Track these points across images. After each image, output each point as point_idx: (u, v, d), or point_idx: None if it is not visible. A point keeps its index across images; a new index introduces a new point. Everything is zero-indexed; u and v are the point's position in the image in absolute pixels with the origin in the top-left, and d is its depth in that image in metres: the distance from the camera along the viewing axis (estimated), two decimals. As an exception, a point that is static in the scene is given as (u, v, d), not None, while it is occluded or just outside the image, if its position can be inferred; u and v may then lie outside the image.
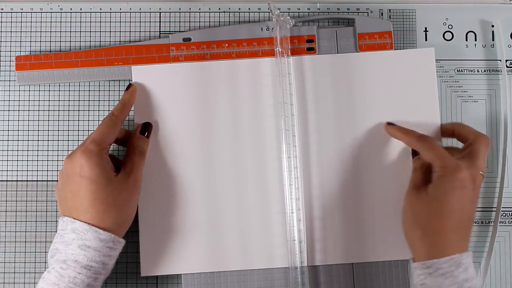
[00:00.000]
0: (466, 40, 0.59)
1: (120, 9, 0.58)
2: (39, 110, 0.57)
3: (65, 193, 0.49)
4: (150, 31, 0.58)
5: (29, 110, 0.57)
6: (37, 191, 0.56)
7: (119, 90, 0.57)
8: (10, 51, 0.58)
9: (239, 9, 0.58)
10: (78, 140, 0.57)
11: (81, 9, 0.58)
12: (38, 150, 0.57)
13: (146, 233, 0.54)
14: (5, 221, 0.56)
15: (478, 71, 0.58)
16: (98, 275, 0.47)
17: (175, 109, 0.55)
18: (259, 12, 0.58)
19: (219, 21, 0.58)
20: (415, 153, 0.53)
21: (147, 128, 0.54)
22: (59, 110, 0.57)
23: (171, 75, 0.55)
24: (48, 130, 0.57)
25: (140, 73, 0.55)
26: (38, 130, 0.57)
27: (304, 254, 0.53)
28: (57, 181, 0.54)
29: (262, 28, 0.56)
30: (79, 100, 0.57)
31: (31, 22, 0.58)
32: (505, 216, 0.57)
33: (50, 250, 0.49)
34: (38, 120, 0.57)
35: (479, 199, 0.52)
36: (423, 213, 0.48)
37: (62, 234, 0.48)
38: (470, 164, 0.49)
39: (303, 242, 0.53)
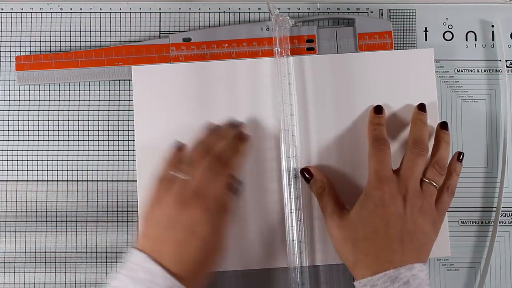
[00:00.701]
0: (466, 40, 0.59)
1: (120, 9, 0.58)
2: (39, 110, 0.57)
3: (162, 234, 0.45)
4: (150, 31, 0.58)
5: (29, 110, 0.57)
6: (37, 191, 0.56)
7: (119, 90, 0.57)
8: (10, 51, 0.58)
9: (239, 9, 0.58)
10: (78, 140, 0.57)
11: (81, 9, 0.58)
12: (38, 150, 0.57)
13: None
14: (5, 221, 0.56)
15: (478, 71, 0.58)
16: None
17: (175, 109, 0.55)
18: (259, 12, 0.58)
19: (219, 21, 0.58)
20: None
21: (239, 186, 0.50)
22: (59, 110, 0.57)
23: (171, 75, 0.56)
24: (48, 130, 0.57)
25: (140, 73, 0.55)
26: (38, 130, 0.57)
27: (304, 254, 0.53)
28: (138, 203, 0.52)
29: (262, 28, 0.56)
30: (79, 100, 0.57)
31: (31, 22, 0.58)
32: (505, 216, 0.57)
33: (114, 280, 0.45)
34: (38, 120, 0.57)
35: (429, 212, 0.49)
36: (350, 239, 0.48)
37: (134, 269, 0.44)
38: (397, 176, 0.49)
39: (302, 242, 0.53)
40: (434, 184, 0.50)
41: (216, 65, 0.56)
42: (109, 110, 0.57)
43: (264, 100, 0.55)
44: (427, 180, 0.50)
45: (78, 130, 0.57)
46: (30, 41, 0.58)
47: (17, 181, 0.56)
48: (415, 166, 0.50)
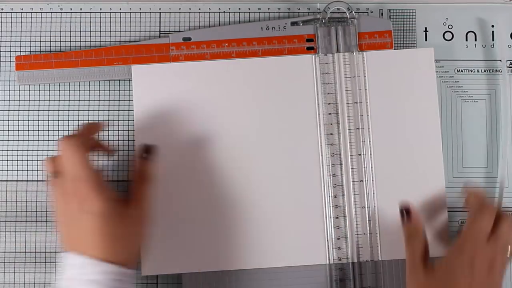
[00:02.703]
0: (466, 40, 0.59)
1: (120, 9, 0.58)
2: (39, 110, 0.57)
3: (69, 230, 0.48)
4: (150, 31, 0.58)
5: (29, 110, 0.57)
6: (37, 191, 0.56)
7: (119, 90, 0.57)
8: (10, 51, 0.58)
9: (239, 9, 0.58)
10: (78, 140, 0.57)
11: (81, 9, 0.58)
12: (38, 150, 0.57)
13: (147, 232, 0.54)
14: (5, 221, 0.56)
15: (478, 71, 0.58)
16: None
17: (176, 109, 0.55)
18: (259, 12, 0.58)
19: (219, 21, 0.58)
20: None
21: (149, 150, 0.53)
22: (59, 110, 0.57)
23: (172, 75, 0.55)
24: (48, 130, 0.57)
25: (140, 73, 0.55)
26: (38, 130, 0.57)
27: (332, 251, 0.54)
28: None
29: (262, 28, 0.56)
30: (79, 100, 0.57)
31: (31, 22, 0.58)
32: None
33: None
34: (38, 120, 0.57)
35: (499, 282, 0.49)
36: None
37: (67, 270, 0.47)
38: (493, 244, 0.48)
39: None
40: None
41: (218, 64, 0.56)
42: (109, 110, 0.57)
43: (271, 99, 0.55)
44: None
45: (78, 130, 0.57)
46: (30, 41, 0.58)
47: (17, 181, 0.56)
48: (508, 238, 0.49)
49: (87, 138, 0.51)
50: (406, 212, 0.52)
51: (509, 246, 0.49)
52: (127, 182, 0.56)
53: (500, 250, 0.48)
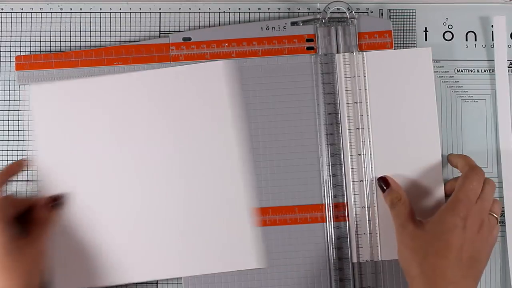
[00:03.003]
0: (466, 40, 0.59)
1: (120, 9, 0.58)
2: (39, 110, 0.57)
3: None
4: (150, 31, 0.58)
5: (29, 110, 0.57)
6: (37, 191, 0.56)
7: (119, 90, 0.57)
8: (10, 51, 0.58)
9: (239, 9, 0.58)
10: (78, 140, 0.57)
11: (81, 9, 0.58)
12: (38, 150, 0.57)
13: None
14: (5, 221, 0.56)
15: (478, 71, 0.58)
16: None
17: (82, 124, 0.55)
18: (259, 12, 0.58)
19: (219, 21, 0.58)
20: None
21: (57, 199, 0.54)
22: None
23: (73, 92, 0.55)
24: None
25: (40, 92, 0.55)
26: (38, 130, 0.57)
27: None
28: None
29: (262, 28, 0.56)
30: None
31: (31, 22, 0.58)
32: (504, 216, 0.57)
33: None
34: (38, 120, 0.57)
35: (491, 243, 0.51)
36: (421, 250, 0.49)
37: None
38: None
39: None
40: (496, 216, 0.51)
41: (111, 79, 0.55)
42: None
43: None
44: (494, 215, 0.51)
45: (78, 130, 0.57)
46: (30, 41, 0.58)
47: (17, 181, 0.56)
48: (491, 200, 0.51)
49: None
50: (384, 183, 0.54)
51: (494, 213, 0.51)
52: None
53: (486, 211, 0.50)
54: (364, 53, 0.56)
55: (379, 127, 0.55)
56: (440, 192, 0.55)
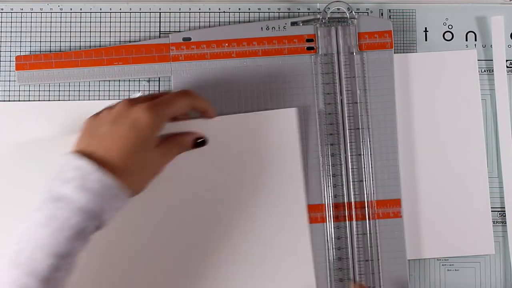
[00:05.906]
0: (466, 40, 0.59)
1: (120, 9, 0.58)
2: (39, 110, 0.57)
3: (100, 129, 0.47)
4: (150, 31, 0.58)
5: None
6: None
7: (119, 90, 0.57)
8: (10, 51, 0.58)
9: (239, 9, 0.58)
10: (78, 140, 0.57)
11: (81, 9, 0.58)
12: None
13: None
14: (5, 221, 0.56)
15: (478, 71, 0.58)
16: (92, 221, 0.43)
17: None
18: (259, 12, 0.58)
19: (219, 21, 0.58)
20: None
21: (202, 143, 0.53)
22: (59, 110, 0.57)
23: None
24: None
25: None
26: (38, 130, 0.57)
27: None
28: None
29: (262, 28, 0.56)
30: (79, 100, 0.57)
31: (31, 22, 0.58)
32: (504, 216, 0.57)
33: (43, 188, 0.44)
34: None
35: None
36: None
37: (64, 170, 0.44)
38: None
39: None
40: None
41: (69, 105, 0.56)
42: (109, 110, 0.57)
43: None
44: None
45: (78, 130, 0.57)
46: (30, 41, 0.58)
47: (17, 181, 0.56)
48: None
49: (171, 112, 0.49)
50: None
51: None
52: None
53: None
54: (365, 53, 0.56)
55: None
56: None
